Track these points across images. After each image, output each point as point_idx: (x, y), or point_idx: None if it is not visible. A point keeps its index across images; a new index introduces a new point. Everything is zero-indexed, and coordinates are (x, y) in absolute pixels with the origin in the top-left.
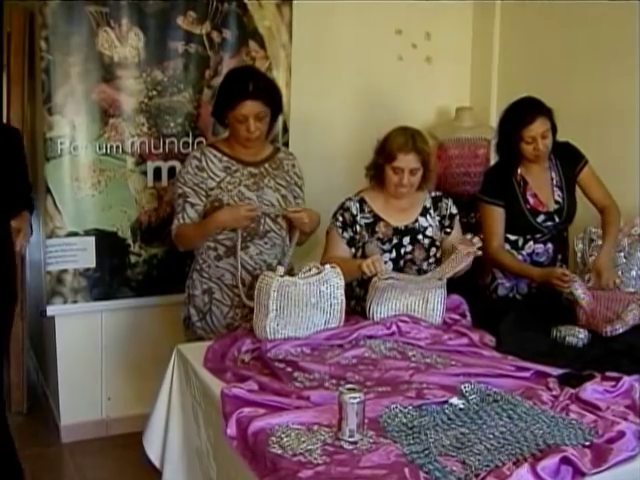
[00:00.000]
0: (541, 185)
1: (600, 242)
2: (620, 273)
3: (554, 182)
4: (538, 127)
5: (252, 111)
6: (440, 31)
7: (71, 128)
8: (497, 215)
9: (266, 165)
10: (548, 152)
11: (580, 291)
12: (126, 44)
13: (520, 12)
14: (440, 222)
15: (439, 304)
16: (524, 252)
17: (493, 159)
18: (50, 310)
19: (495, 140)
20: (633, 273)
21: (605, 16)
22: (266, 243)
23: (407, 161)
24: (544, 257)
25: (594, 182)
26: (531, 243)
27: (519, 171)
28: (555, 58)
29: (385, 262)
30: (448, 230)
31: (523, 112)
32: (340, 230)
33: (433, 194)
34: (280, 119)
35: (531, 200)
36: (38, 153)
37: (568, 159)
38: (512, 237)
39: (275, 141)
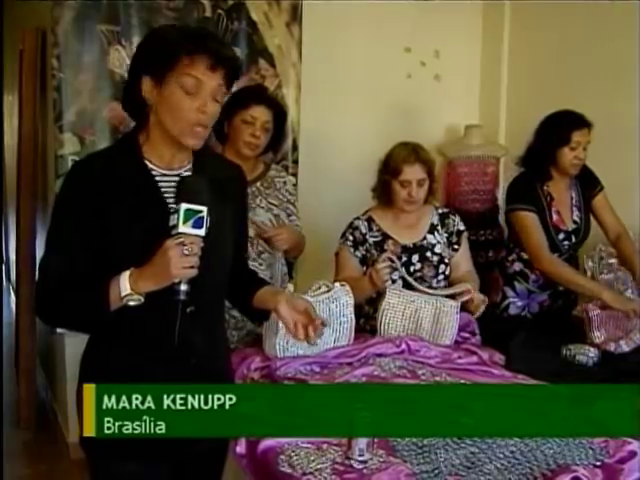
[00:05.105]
0: (563, 203)
1: (610, 260)
2: (630, 291)
3: (574, 202)
4: (586, 135)
5: (262, 116)
6: (449, 49)
7: (82, 145)
8: (533, 222)
9: (257, 184)
10: (580, 167)
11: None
12: None
13: (529, 30)
14: (448, 239)
15: (450, 324)
16: (538, 272)
17: (502, 177)
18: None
19: (527, 147)
20: None
21: (615, 35)
22: (261, 265)
23: (413, 172)
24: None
25: (608, 208)
26: None
27: (545, 186)
28: (564, 76)
29: (394, 280)
30: (455, 247)
31: (576, 117)
32: (352, 249)
33: (440, 211)
34: (290, 137)
35: (554, 216)
36: (49, 170)
37: (586, 181)
38: (527, 255)
39: (284, 159)
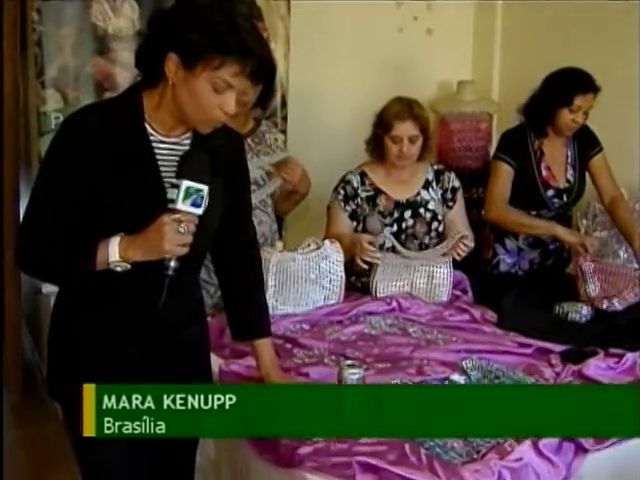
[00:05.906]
0: (556, 160)
1: (604, 218)
2: (624, 249)
3: (569, 160)
4: (589, 100)
5: None
6: (441, 2)
7: (65, 102)
8: (506, 174)
9: (248, 141)
10: (575, 130)
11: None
12: (120, 16)
13: None
14: (442, 195)
15: (445, 281)
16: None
17: (495, 133)
18: (45, 288)
19: (530, 96)
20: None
21: None
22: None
23: (405, 129)
24: (547, 235)
25: (605, 170)
26: None
27: (537, 141)
28: (559, 31)
29: (383, 244)
30: (450, 204)
31: (583, 80)
32: (342, 203)
33: (436, 167)
34: (279, 93)
35: (544, 172)
36: (31, 128)
37: (585, 142)
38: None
39: (274, 115)
